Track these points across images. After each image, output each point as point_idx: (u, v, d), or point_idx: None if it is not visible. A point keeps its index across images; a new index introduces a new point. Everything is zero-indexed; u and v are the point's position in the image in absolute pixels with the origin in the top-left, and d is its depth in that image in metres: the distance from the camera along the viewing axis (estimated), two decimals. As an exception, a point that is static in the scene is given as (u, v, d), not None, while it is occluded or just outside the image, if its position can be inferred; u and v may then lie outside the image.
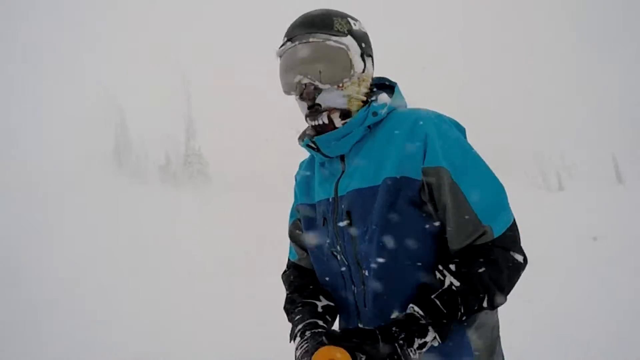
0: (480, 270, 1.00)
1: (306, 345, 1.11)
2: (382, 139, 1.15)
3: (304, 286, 1.30)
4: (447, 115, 1.20)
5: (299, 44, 1.14)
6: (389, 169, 1.10)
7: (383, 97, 1.19)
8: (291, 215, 1.42)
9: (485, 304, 1.01)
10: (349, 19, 1.20)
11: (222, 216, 10.40)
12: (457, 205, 1.05)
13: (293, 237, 1.41)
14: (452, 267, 1.02)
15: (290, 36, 1.17)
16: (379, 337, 0.95)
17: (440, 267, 1.04)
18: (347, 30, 1.16)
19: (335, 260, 1.20)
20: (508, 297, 1.05)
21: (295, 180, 1.41)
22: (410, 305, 1.02)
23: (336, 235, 1.18)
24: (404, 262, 1.09)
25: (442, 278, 1.02)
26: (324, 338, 0.99)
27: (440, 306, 0.98)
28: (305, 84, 1.13)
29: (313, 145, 1.20)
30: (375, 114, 1.16)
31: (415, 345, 0.96)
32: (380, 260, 1.11)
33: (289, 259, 1.46)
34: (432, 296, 1.00)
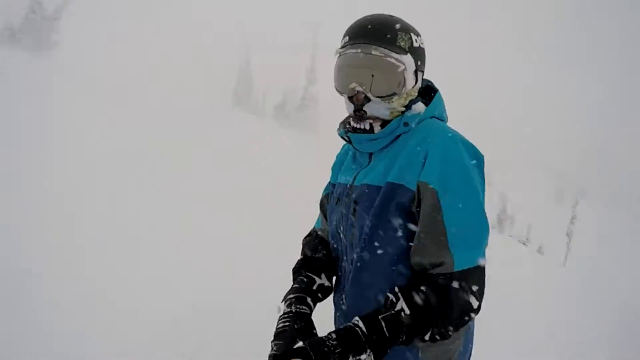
0: (432, 304, 1.01)
1: (282, 325, 1.22)
2: (402, 147, 1.20)
3: (313, 260, 1.41)
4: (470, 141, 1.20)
5: (361, 52, 1.17)
6: (392, 175, 1.17)
7: (417, 107, 1.24)
8: (325, 188, 1.53)
9: (427, 337, 1.02)
10: (412, 35, 1.22)
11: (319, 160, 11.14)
12: (432, 225, 1.07)
13: (322, 207, 1.54)
14: (407, 293, 1.04)
15: (354, 40, 1.19)
16: (312, 355, 0.96)
17: (396, 290, 1.07)
18: (409, 48, 1.20)
19: (339, 238, 1.35)
20: None
21: (336, 158, 1.52)
22: (356, 318, 1.04)
23: (342, 217, 1.31)
24: (383, 259, 1.17)
25: (394, 300, 1.05)
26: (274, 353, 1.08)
27: (385, 328, 1.00)
28: (358, 91, 1.20)
29: (347, 138, 1.31)
30: (406, 124, 1.22)
31: None
32: (365, 252, 1.21)
33: (314, 226, 1.60)
34: (380, 316, 1.02)
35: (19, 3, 24.67)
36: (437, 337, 1.03)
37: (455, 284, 1.03)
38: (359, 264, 1.23)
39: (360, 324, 1.01)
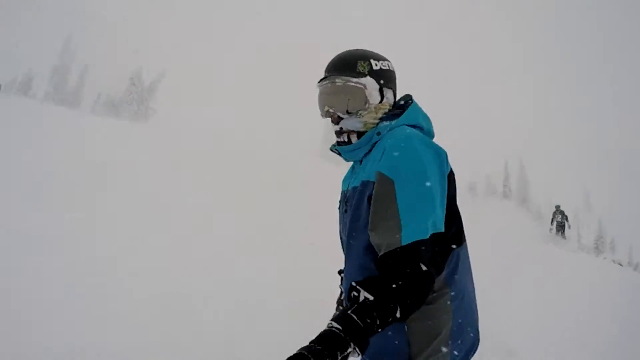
0: (390, 284, 1.09)
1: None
2: (375, 150, 1.39)
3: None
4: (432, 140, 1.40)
5: (329, 82, 1.46)
6: (364, 174, 1.36)
7: (389, 119, 1.45)
8: None
9: (399, 315, 1.09)
10: (371, 60, 1.46)
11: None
12: (382, 206, 1.22)
13: None
14: (365, 283, 1.11)
15: (325, 74, 1.49)
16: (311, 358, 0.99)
17: (354, 284, 1.12)
18: (368, 71, 1.44)
19: (341, 237, 1.54)
20: None
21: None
22: (330, 321, 1.07)
23: (340, 220, 1.53)
24: (358, 250, 1.34)
25: (356, 294, 1.10)
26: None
27: (358, 320, 1.05)
28: (332, 113, 1.46)
29: (336, 151, 1.55)
30: (379, 133, 1.42)
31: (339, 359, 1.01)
32: (348, 245, 1.41)
33: None
34: (349, 312, 1.06)
35: (121, 77, 27.98)
36: (409, 310, 1.11)
37: (404, 257, 1.13)
38: (345, 257, 1.45)
39: (334, 324, 1.05)
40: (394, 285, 1.10)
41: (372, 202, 1.27)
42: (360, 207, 1.34)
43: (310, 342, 1.04)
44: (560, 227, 17.15)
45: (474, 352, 1.40)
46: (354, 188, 1.42)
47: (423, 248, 1.15)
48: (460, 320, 1.34)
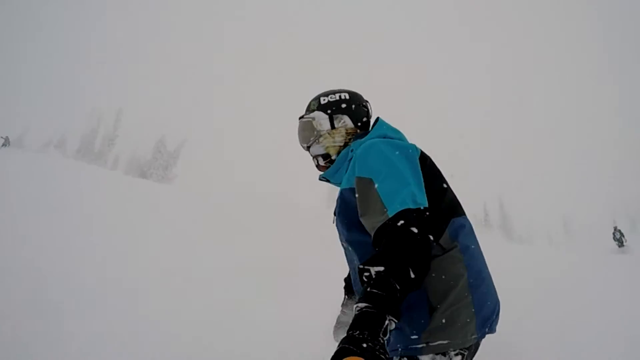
0: (391, 251, 1.19)
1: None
2: (351, 164, 1.58)
3: (347, 278, 2.08)
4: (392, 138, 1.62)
5: (299, 121, 1.84)
6: (344, 183, 1.59)
7: (360, 137, 1.70)
8: None
9: (412, 275, 1.17)
10: (321, 97, 1.80)
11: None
12: (368, 196, 1.38)
13: None
14: (370, 260, 1.20)
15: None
16: (355, 350, 1.02)
17: (361, 266, 1.21)
18: (317, 107, 1.78)
19: (342, 246, 1.68)
20: None
21: None
22: (355, 305, 1.13)
23: (338, 229, 1.67)
24: (359, 239, 1.50)
25: (367, 274, 1.18)
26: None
27: (380, 292, 1.11)
28: (303, 146, 1.83)
29: (324, 179, 1.80)
30: (352, 150, 1.63)
31: (381, 335, 1.06)
32: (350, 244, 1.56)
33: None
34: (369, 289, 1.14)
35: (148, 144, 30.18)
36: (420, 269, 1.20)
37: (394, 225, 1.25)
38: (352, 256, 1.59)
39: (361, 304, 1.11)
40: (395, 251, 1.19)
41: (357, 198, 1.43)
42: (348, 210, 1.52)
43: (348, 331, 1.07)
44: (619, 242, 21.18)
45: (496, 317, 1.46)
46: (337, 200, 1.62)
47: (409, 215, 1.27)
48: (477, 269, 1.43)
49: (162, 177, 27.58)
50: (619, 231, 21.49)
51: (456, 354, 1.36)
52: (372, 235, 1.32)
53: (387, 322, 1.08)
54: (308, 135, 1.77)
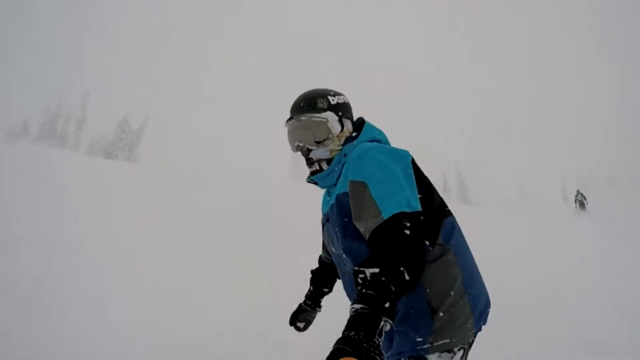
0: (387, 252, 1.21)
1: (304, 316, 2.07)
2: (345, 169, 1.58)
3: (316, 272, 2.11)
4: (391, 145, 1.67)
5: (295, 121, 1.68)
6: (338, 189, 1.58)
7: (350, 140, 1.67)
8: None
9: (407, 277, 1.18)
10: (329, 97, 1.70)
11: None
12: (363, 200, 1.39)
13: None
14: (365, 262, 1.22)
15: (291, 114, 1.72)
16: (350, 350, 1.02)
17: (356, 268, 1.22)
18: (327, 106, 1.68)
19: (333, 253, 1.72)
20: None
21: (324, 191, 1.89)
22: (351, 306, 1.14)
23: (326, 236, 1.73)
24: (356, 246, 1.50)
25: (362, 276, 1.20)
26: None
27: (375, 294, 1.13)
28: (301, 146, 1.68)
29: (312, 182, 1.74)
30: (345, 155, 1.63)
31: (377, 336, 1.08)
32: (343, 256, 1.57)
33: None
34: (364, 290, 1.15)
35: (111, 124, 30.87)
36: (415, 271, 1.21)
37: (388, 227, 1.27)
38: (345, 259, 1.59)
39: (356, 305, 1.12)
40: (389, 253, 1.21)
41: (351, 202, 1.45)
42: (344, 215, 1.53)
43: (343, 332, 1.08)
44: (581, 204, 22.71)
45: (489, 309, 1.56)
46: (332, 205, 1.60)
47: (403, 218, 1.28)
48: (469, 270, 1.51)
49: (127, 157, 28.47)
50: (582, 194, 23.19)
51: (459, 349, 1.44)
52: (367, 237, 1.35)
53: (382, 323, 1.10)
54: (319, 136, 1.68)
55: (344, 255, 1.60)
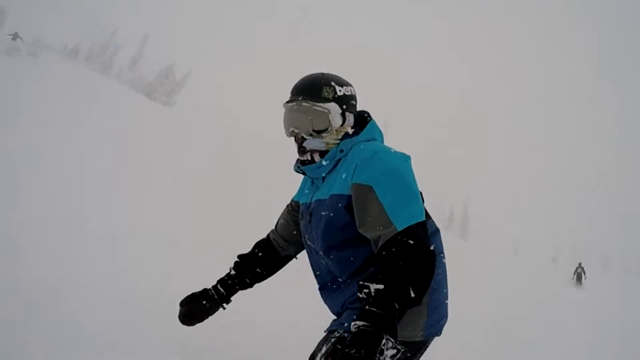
0: (395, 268, 1.21)
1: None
2: (341, 167, 1.56)
3: (251, 257, 1.89)
4: (395, 148, 1.55)
5: (296, 105, 1.60)
6: (335, 188, 1.53)
7: (349, 136, 1.61)
8: (296, 194, 1.88)
9: (412, 294, 1.19)
10: (336, 87, 1.60)
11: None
12: (372, 208, 1.36)
13: (285, 210, 1.91)
14: (371, 276, 1.24)
15: (292, 97, 1.62)
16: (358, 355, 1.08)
17: (361, 283, 1.25)
18: (332, 97, 1.58)
19: (307, 244, 1.71)
20: None
21: (301, 182, 1.87)
22: (353, 323, 1.16)
23: (305, 228, 1.68)
24: (339, 249, 1.52)
25: (367, 290, 1.22)
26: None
27: (378, 311, 1.14)
28: (296, 133, 1.60)
29: (301, 171, 1.68)
30: (342, 151, 1.57)
31: (378, 354, 1.11)
32: (327, 249, 1.56)
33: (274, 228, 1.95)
34: (367, 307, 1.16)
35: (157, 68, 31.99)
36: (421, 287, 1.23)
37: (404, 239, 1.27)
38: (327, 257, 1.57)
39: (359, 322, 1.14)
40: (398, 269, 1.21)
41: (355, 207, 1.43)
42: (336, 215, 1.49)
43: (344, 349, 1.12)
44: (579, 278, 22.78)
45: (445, 321, 1.57)
46: (321, 201, 1.57)
47: (419, 230, 1.30)
48: (440, 277, 1.51)
49: (165, 102, 30.10)
50: (582, 268, 23.05)
51: (393, 347, 1.31)
52: (377, 247, 1.34)
53: (384, 341, 1.11)
54: (318, 126, 1.59)
55: (321, 253, 1.60)
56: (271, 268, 1.89)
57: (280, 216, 1.92)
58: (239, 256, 1.90)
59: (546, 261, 39.97)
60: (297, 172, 1.73)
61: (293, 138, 1.65)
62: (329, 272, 1.62)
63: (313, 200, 1.64)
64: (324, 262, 1.62)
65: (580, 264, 23.83)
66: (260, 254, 1.87)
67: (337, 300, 1.58)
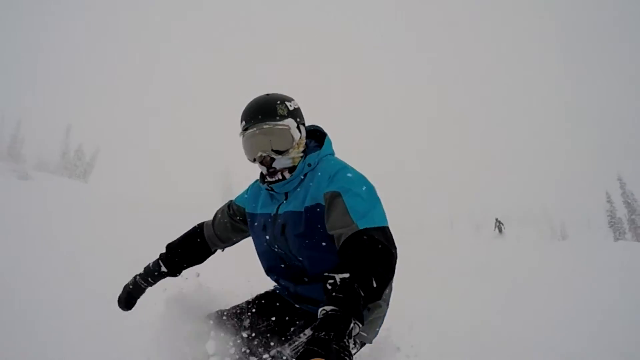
0: (358, 260, 1.31)
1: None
2: (311, 179, 1.70)
3: (176, 250, 1.99)
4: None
5: (257, 129, 1.68)
6: (308, 200, 1.66)
7: (312, 150, 1.78)
8: (236, 199, 2.01)
9: (375, 284, 1.27)
10: (286, 102, 1.73)
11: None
12: (338, 210, 1.52)
13: (224, 214, 2.02)
14: (335, 268, 1.31)
15: (249, 123, 1.70)
16: (335, 347, 1.09)
17: (326, 274, 1.30)
18: (287, 113, 1.71)
19: (274, 252, 1.81)
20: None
21: (250, 186, 1.99)
22: (321, 308, 1.19)
23: (274, 237, 1.77)
24: (318, 253, 1.65)
25: (331, 281, 1.27)
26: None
27: (346, 297, 1.19)
28: (264, 156, 1.70)
29: (270, 188, 1.78)
30: (309, 165, 1.72)
31: (347, 337, 1.14)
32: (304, 252, 1.67)
33: (207, 221, 2.07)
34: (334, 294, 1.21)
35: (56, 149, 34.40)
36: (381, 278, 1.30)
37: (365, 238, 1.39)
38: (303, 259, 1.70)
39: (328, 307, 1.17)
40: (360, 260, 1.30)
41: (326, 212, 1.57)
42: (310, 226, 1.63)
43: (314, 333, 1.12)
44: (500, 229, 26.76)
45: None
46: (292, 212, 1.69)
47: (380, 233, 1.42)
48: (392, 286, 1.76)
49: (81, 177, 33.04)
50: (499, 222, 27.41)
51: (362, 346, 1.74)
52: (340, 244, 1.44)
53: (352, 324, 1.15)
54: (284, 144, 1.70)
55: (298, 258, 1.72)
56: (197, 262, 2.04)
57: (221, 216, 2.04)
58: (168, 248, 1.99)
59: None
60: (267, 190, 1.81)
61: (259, 163, 1.74)
62: (300, 269, 1.76)
63: (281, 212, 1.75)
64: (295, 262, 1.75)
65: (497, 219, 27.65)
66: (190, 251, 2.00)
67: (309, 288, 1.74)
